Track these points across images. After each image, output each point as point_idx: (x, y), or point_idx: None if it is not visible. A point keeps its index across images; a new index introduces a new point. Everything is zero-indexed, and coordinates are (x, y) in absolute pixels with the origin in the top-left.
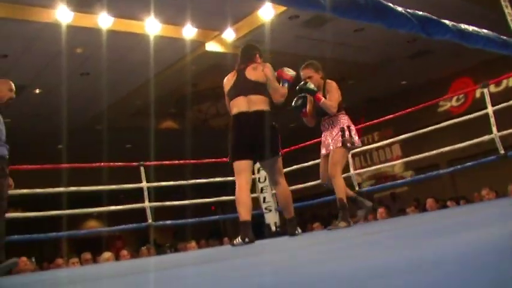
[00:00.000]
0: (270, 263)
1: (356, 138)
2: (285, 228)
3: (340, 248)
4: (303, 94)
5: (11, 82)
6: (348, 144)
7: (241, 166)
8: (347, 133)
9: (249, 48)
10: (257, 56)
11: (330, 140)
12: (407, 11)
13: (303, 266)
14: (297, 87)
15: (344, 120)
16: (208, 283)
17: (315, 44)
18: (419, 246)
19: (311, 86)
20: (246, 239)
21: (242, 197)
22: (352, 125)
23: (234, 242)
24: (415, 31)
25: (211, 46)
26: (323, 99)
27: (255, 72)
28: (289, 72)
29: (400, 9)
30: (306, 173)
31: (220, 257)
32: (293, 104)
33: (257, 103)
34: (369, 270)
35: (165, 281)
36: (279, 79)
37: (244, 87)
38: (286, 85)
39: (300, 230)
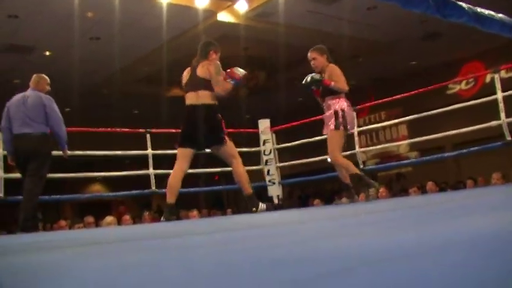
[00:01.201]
0: (274, 236)
1: (348, 121)
2: (287, 202)
3: (342, 225)
4: (313, 74)
5: (47, 78)
6: (341, 127)
7: (182, 153)
8: (340, 116)
9: (205, 45)
10: (211, 52)
11: (326, 122)
12: None
13: (304, 241)
14: (304, 82)
15: (340, 103)
16: (216, 256)
17: (327, 20)
18: (425, 229)
19: (316, 77)
20: (166, 219)
21: (172, 182)
22: (348, 108)
23: (161, 219)
24: (430, 12)
25: (223, 16)
26: (332, 83)
27: (203, 70)
28: (238, 72)
29: None
30: (312, 147)
31: (222, 228)
32: (303, 82)
33: (204, 97)
34: (372, 252)
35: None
36: (228, 77)
37: (194, 83)
38: (232, 82)
39: (263, 206)
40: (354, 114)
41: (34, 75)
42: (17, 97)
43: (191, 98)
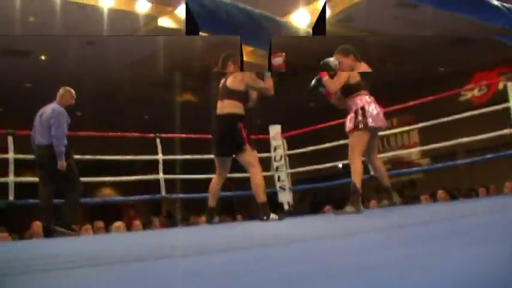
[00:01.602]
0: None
1: (370, 119)
2: (298, 208)
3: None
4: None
5: (73, 91)
6: (360, 125)
7: (218, 161)
8: (360, 114)
9: (224, 57)
10: (229, 63)
11: (347, 123)
12: (503, 5)
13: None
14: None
15: (360, 101)
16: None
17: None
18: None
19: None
20: (207, 221)
21: (211, 188)
22: (371, 105)
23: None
24: (509, 26)
25: (164, 22)
26: (325, 77)
27: (234, 80)
28: (275, 62)
29: (496, 3)
30: (323, 153)
31: (239, 245)
32: (311, 84)
33: (228, 106)
34: None
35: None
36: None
37: (223, 92)
38: (269, 75)
39: (274, 216)
40: (379, 110)
41: (61, 88)
42: (41, 110)
43: (218, 107)
